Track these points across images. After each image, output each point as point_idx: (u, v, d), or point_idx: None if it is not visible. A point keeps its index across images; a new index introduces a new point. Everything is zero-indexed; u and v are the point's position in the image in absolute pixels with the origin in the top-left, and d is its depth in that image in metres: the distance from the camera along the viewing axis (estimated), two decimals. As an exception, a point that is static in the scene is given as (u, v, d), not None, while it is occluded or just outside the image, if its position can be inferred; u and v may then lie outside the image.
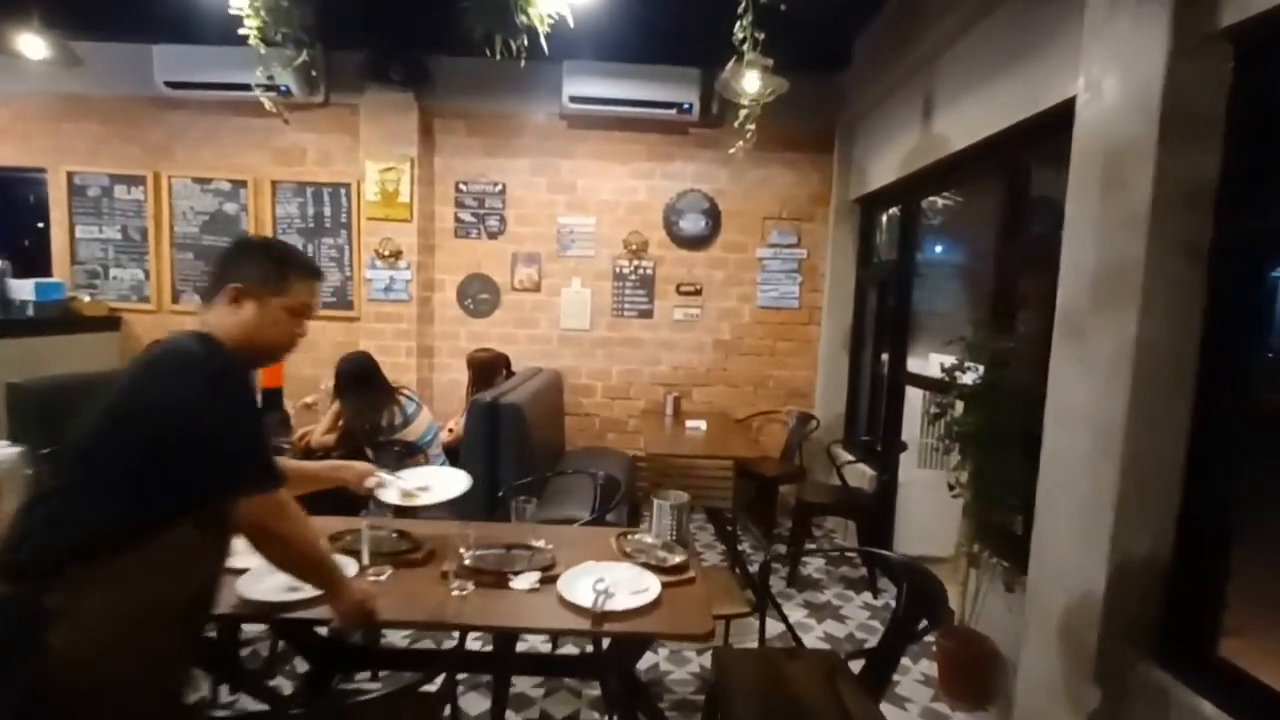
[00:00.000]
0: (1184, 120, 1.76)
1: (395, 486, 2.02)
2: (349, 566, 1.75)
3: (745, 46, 2.57)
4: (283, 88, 4.30)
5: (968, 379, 2.70)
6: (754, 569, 3.58)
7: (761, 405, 5.05)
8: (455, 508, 2.22)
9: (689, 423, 4.28)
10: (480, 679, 2.60)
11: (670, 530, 2.02)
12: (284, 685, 2.55)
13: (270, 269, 1.39)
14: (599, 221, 4.92)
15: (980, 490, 2.60)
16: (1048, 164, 2.59)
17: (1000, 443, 2.49)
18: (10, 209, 5.07)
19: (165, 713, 1.29)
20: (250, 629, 2.74)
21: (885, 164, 4.05)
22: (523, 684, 2.58)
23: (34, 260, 4.78)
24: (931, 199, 3.94)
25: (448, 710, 2.38)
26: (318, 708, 2.02)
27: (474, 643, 2.62)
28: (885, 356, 4.20)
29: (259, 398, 3.92)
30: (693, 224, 4.92)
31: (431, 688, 1.90)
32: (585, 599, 1.64)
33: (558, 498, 3.41)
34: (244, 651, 2.73)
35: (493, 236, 4.94)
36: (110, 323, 4.76)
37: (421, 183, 4.75)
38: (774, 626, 2.56)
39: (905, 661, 2.87)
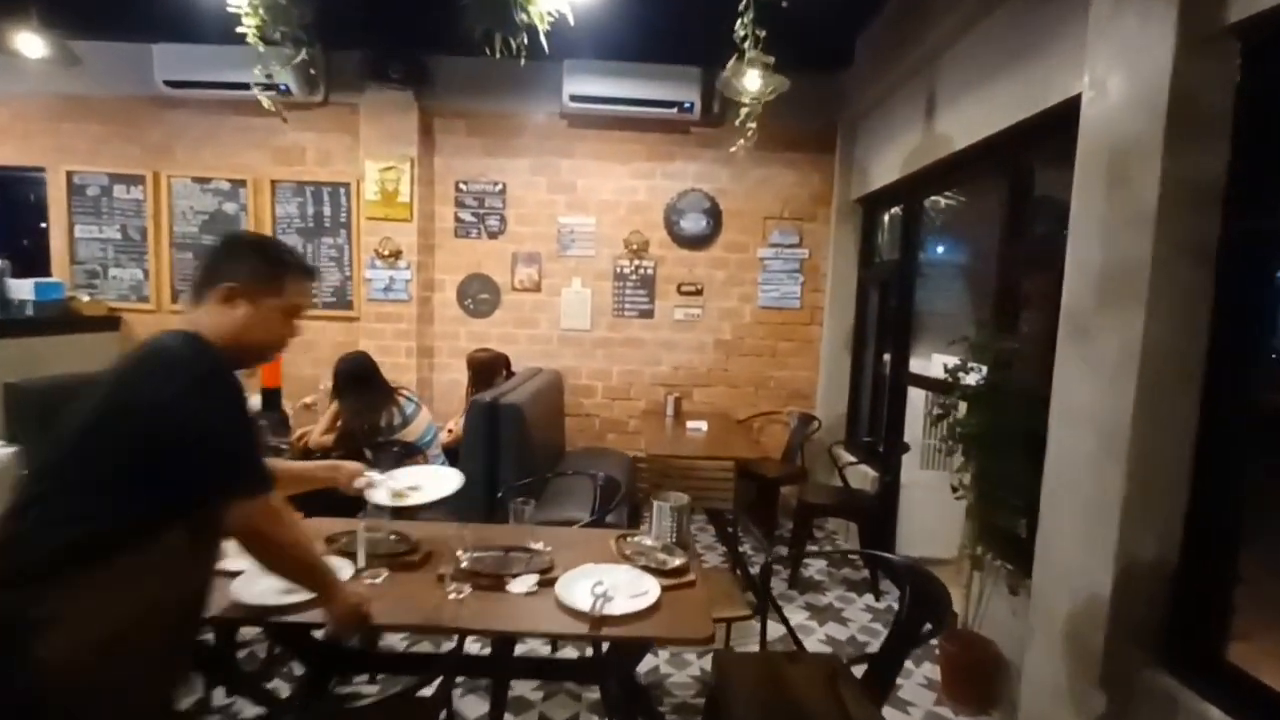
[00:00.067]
0: (1190, 118, 1.75)
1: (385, 486, 2.00)
2: (345, 569, 1.73)
3: (746, 44, 2.57)
4: (282, 87, 4.28)
5: (971, 379, 2.67)
6: (755, 571, 3.56)
7: (763, 406, 5.03)
8: (454, 509, 2.20)
9: (690, 423, 4.25)
10: (478, 682, 2.58)
11: (670, 532, 2.00)
12: (281, 688, 2.54)
13: (265, 269, 1.36)
14: (599, 221, 4.90)
15: (984, 492, 2.58)
16: (1050, 163, 2.58)
17: (1004, 444, 2.47)
18: (10, 209, 5.07)
19: (162, 715, 1.28)
20: (247, 631, 2.72)
21: (887, 163, 4.03)
22: (521, 687, 2.56)
23: (33, 260, 4.77)
24: (934, 198, 3.92)
25: (445, 714, 2.36)
26: (315, 712, 2.01)
27: (472, 645, 2.60)
28: (887, 357, 4.18)
29: (259, 398, 3.91)
30: (694, 224, 4.90)
31: (429, 691, 1.88)
32: (583, 602, 1.62)
33: (557, 499, 3.39)
34: (241, 654, 2.72)
35: (493, 236, 4.92)
36: (110, 323, 4.75)
37: (421, 182, 4.74)
38: (775, 629, 2.55)
39: (908, 665, 2.84)
